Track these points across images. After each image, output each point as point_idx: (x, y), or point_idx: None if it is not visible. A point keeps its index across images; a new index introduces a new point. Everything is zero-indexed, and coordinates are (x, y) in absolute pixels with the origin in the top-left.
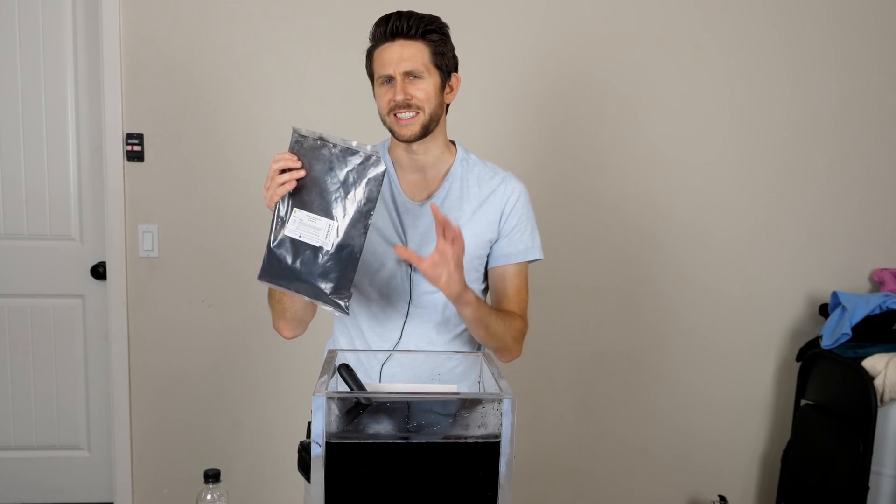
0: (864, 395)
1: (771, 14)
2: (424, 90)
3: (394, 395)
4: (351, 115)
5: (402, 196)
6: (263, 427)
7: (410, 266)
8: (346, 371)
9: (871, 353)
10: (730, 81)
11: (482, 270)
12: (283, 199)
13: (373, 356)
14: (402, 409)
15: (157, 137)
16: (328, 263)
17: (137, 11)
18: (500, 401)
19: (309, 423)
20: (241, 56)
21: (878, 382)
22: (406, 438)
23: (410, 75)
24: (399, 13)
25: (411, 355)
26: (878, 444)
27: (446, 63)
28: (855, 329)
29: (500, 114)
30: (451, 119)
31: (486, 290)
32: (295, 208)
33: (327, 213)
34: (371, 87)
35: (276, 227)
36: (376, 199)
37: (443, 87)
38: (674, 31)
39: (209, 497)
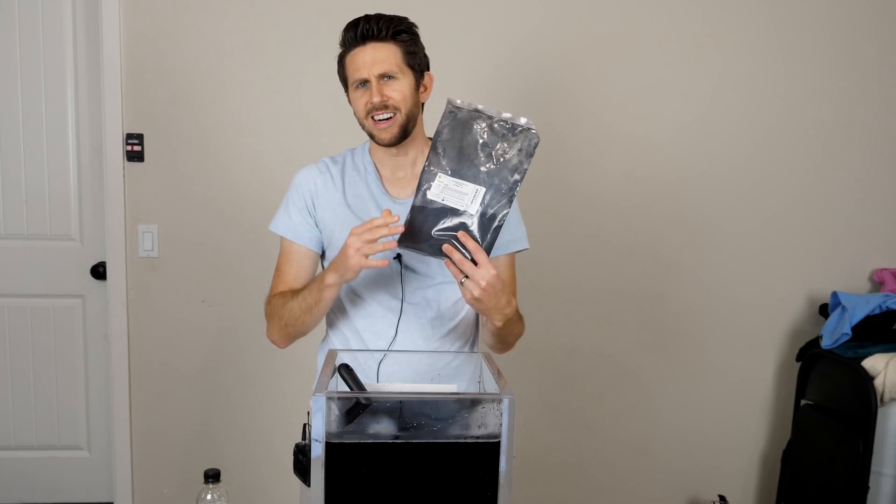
0: (864, 395)
1: (771, 14)
2: (400, 90)
3: (394, 395)
4: (352, 115)
5: (387, 196)
6: (263, 427)
7: (401, 263)
8: (346, 371)
9: (871, 353)
10: (729, 82)
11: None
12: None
13: (369, 355)
14: (402, 408)
15: (157, 137)
16: (470, 228)
17: (137, 11)
18: (499, 400)
19: (304, 425)
20: (241, 56)
21: (878, 382)
22: (406, 438)
23: (385, 77)
24: (367, 17)
25: (407, 353)
26: (878, 444)
27: (418, 62)
28: (855, 329)
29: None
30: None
31: None
32: (440, 174)
33: (475, 180)
34: (345, 94)
35: (420, 193)
36: (525, 170)
37: (417, 87)
38: (673, 31)
39: (209, 497)
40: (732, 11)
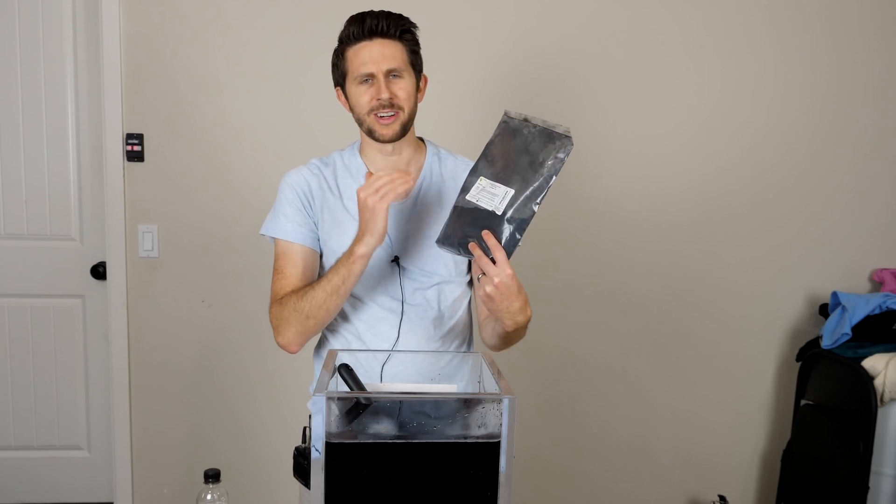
0: (864, 395)
1: (770, 14)
2: (405, 89)
3: (393, 395)
4: (349, 116)
5: None
6: (263, 427)
7: (399, 265)
8: (346, 371)
9: (871, 353)
10: (726, 82)
11: (466, 264)
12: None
13: (372, 357)
14: (402, 408)
15: (157, 137)
16: (496, 228)
17: (137, 11)
18: (499, 400)
19: (304, 428)
20: (241, 56)
21: (878, 382)
22: (406, 438)
23: (391, 74)
24: (373, 13)
25: (410, 353)
26: (878, 444)
27: (419, 63)
28: (855, 329)
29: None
30: (442, 118)
31: (470, 282)
32: (481, 176)
33: (508, 182)
34: (335, 89)
35: (460, 195)
36: (553, 176)
37: (417, 87)
38: (674, 31)
39: (209, 497)
40: (733, 12)
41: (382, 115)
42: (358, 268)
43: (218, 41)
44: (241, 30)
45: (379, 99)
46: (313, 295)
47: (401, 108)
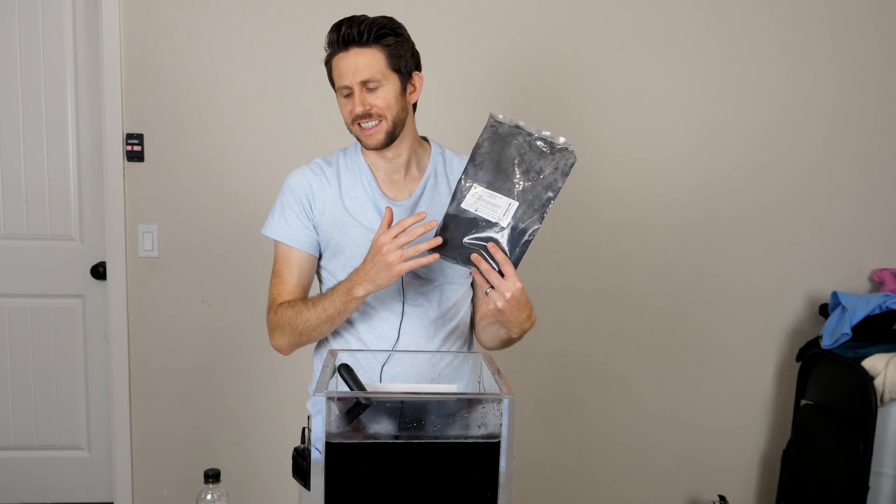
0: (864, 395)
1: (770, 14)
2: (384, 98)
3: (393, 395)
4: None
5: (384, 198)
6: (263, 427)
7: None
8: (346, 371)
9: (871, 353)
10: (726, 83)
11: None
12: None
13: (372, 358)
14: (402, 408)
15: (157, 137)
16: (500, 240)
17: (137, 11)
18: (499, 400)
19: (303, 429)
20: (241, 55)
21: (878, 382)
22: (406, 438)
23: (368, 84)
24: (350, 20)
25: (410, 354)
26: (878, 444)
27: (405, 64)
28: (855, 329)
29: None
30: (439, 117)
31: (472, 283)
32: (475, 184)
33: (509, 193)
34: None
35: (454, 202)
36: (559, 188)
37: (404, 90)
38: (673, 31)
39: (209, 497)
40: (733, 12)
41: (364, 125)
42: (354, 307)
43: (218, 41)
44: (240, 30)
45: (355, 112)
46: (307, 317)
47: (381, 117)
